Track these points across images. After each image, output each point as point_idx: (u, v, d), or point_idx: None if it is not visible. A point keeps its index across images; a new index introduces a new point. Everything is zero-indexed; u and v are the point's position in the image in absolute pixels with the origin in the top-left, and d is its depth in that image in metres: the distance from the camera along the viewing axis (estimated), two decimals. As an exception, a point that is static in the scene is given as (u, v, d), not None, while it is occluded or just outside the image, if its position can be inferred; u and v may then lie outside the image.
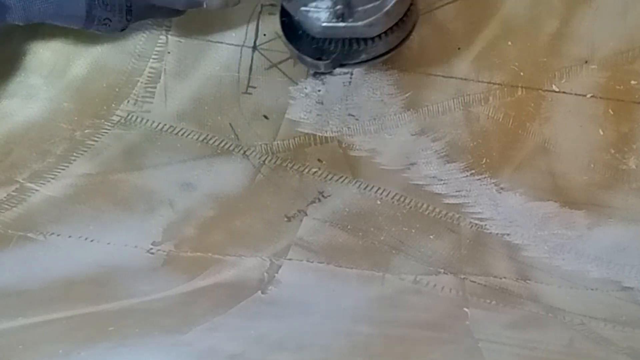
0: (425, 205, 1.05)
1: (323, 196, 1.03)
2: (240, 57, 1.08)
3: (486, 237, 1.02)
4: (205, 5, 0.88)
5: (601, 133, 1.04)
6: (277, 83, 1.07)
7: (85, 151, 1.12)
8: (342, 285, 0.89)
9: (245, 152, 1.06)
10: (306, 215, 1.01)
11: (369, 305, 0.85)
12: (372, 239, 1.00)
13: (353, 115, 1.07)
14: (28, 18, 0.81)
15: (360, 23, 0.82)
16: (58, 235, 0.95)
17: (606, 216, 1.03)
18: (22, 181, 1.04)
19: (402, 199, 1.03)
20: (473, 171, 1.09)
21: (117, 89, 1.17)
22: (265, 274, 0.90)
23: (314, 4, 0.82)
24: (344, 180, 1.04)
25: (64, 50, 1.08)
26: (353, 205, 1.03)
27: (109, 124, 1.07)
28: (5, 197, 1.02)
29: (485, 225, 1.03)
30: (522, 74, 1.06)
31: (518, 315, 0.85)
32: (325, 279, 0.90)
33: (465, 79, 1.08)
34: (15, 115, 1.05)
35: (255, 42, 1.08)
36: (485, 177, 1.08)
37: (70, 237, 0.94)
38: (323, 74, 0.96)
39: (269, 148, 1.07)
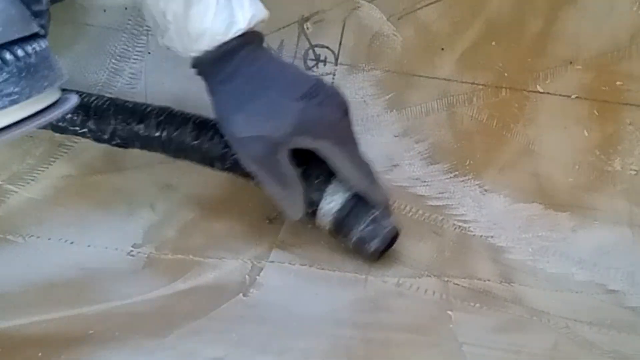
0: (408, 207, 1.05)
1: (306, 198, 1.02)
2: (222, 57, 1.07)
3: (470, 239, 1.01)
4: None
5: (586, 134, 1.04)
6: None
7: (66, 152, 1.11)
8: (325, 288, 0.88)
9: (227, 153, 1.05)
10: (288, 217, 1.00)
11: (351, 308, 0.85)
12: (355, 241, 0.99)
13: (336, 116, 1.06)
14: None
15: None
16: (38, 237, 0.93)
17: (591, 218, 1.03)
18: (1, 183, 1.03)
19: (385, 201, 1.02)
20: (457, 173, 1.08)
21: (97, 90, 1.16)
22: (246, 276, 0.89)
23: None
24: (326, 181, 1.03)
25: (44, 50, 1.07)
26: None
27: (90, 124, 1.06)
28: (-17, 199, 1.01)
29: (469, 227, 1.03)
30: (506, 74, 1.05)
31: (502, 318, 0.84)
32: (308, 281, 0.89)
33: (449, 80, 1.07)
34: (-6, 116, 1.04)
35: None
36: (469, 179, 1.07)
37: (49, 239, 0.93)
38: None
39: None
